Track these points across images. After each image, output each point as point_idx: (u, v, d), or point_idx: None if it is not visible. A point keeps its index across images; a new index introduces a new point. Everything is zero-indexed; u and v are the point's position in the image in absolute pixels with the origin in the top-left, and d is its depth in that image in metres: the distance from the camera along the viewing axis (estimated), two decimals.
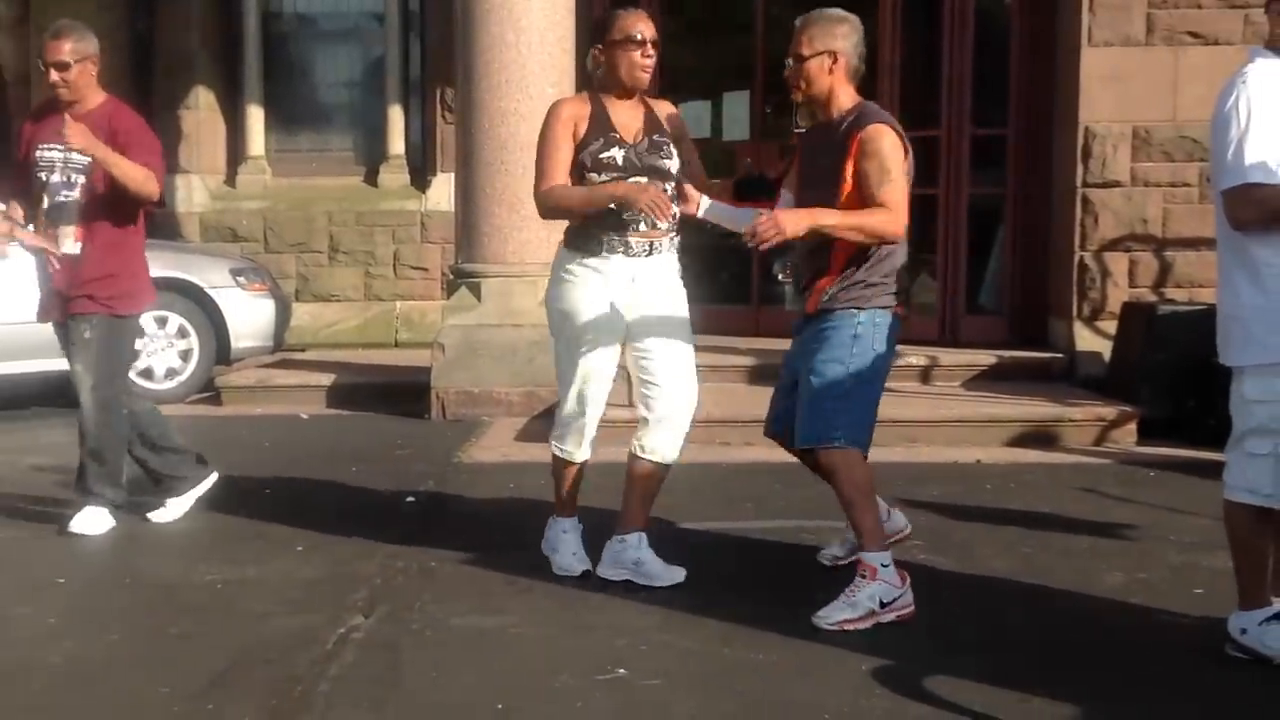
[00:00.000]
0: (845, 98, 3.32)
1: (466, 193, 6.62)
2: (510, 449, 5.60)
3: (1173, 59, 6.54)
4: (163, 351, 6.97)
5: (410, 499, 4.55)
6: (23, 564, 3.77)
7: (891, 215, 3.17)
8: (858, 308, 3.27)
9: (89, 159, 3.88)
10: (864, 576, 3.19)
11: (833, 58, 3.27)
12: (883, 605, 3.17)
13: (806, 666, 2.86)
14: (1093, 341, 6.65)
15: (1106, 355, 6.48)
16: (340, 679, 2.79)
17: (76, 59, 3.95)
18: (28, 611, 3.30)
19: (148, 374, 6.92)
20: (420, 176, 9.21)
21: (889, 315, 3.32)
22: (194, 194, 9.22)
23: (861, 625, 3.13)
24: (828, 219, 3.18)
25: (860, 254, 3.26)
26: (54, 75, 3.95)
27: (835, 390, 3.25)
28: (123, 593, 3.50)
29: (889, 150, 3.18)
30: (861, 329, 3.27)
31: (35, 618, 3.24)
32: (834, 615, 3.15)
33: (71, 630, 3.13)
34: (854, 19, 3.37)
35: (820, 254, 3.31)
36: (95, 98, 4.03)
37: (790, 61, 3.33)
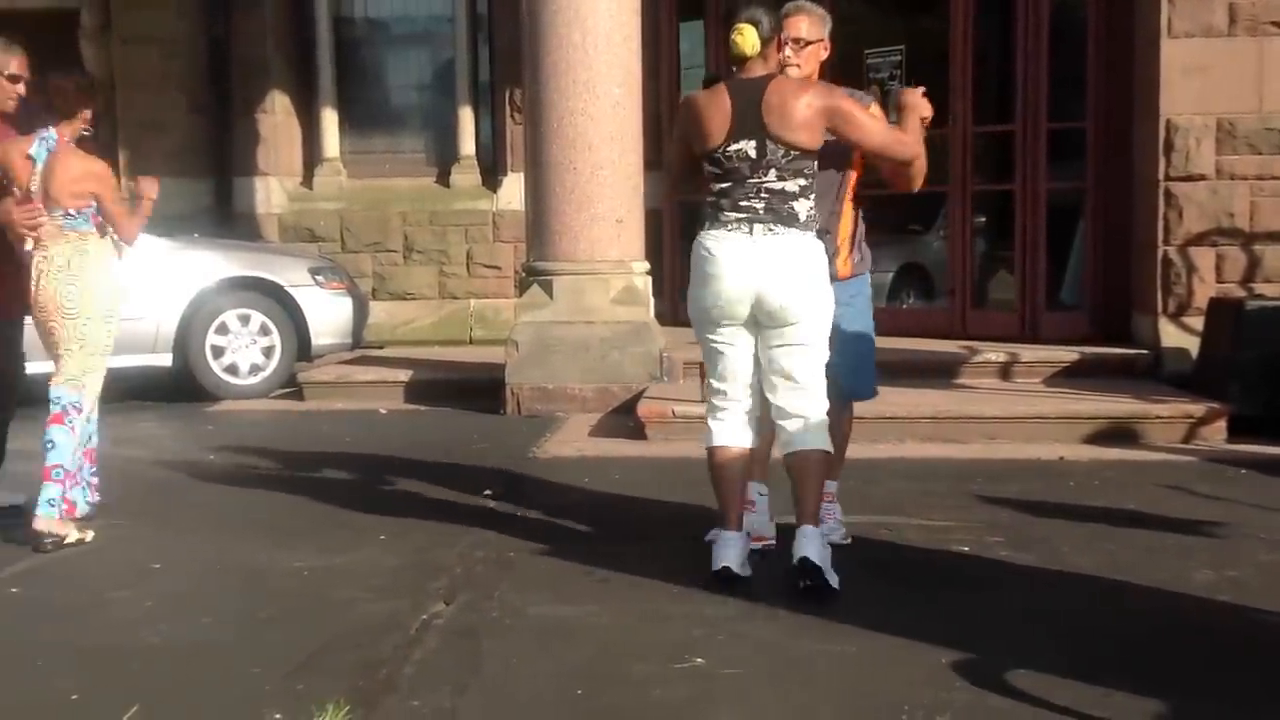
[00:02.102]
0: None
1: (536, 192, 6.68)
2: (585, 444, 5.65)
3: (1257, 49, 6.36)
4: (246, 348, 7.15)
5: (488, 491, 4.61)
6: (122, 550, 3.90)
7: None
8: (869, 271, 3.78)
9: None
10: (832, 501, 3.77)
11: (825, 46, 3.64)
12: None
13: (884, 659, 2.85)
14: (1178, 338, 6.49)
15: (1193, 352, 6.32)
16: (423, 663, 2.85)
17: None
18: (126, 595, 3.42)
19: (233, 370, 7.12)
20: (491, 176, 9.31)
21: None
22: (272, 195, 9.43)
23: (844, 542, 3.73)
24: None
25: (855, 224, 3.68)
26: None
27: (870, 349, 3.76)
28: (216, 578, 3.61)
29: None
30: (870, 291, 3.78)
31: (133, 601, 3.36)
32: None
33: (167, 614, 3.24)
34: None
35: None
36: None
37: (792, 42, 3.54)
